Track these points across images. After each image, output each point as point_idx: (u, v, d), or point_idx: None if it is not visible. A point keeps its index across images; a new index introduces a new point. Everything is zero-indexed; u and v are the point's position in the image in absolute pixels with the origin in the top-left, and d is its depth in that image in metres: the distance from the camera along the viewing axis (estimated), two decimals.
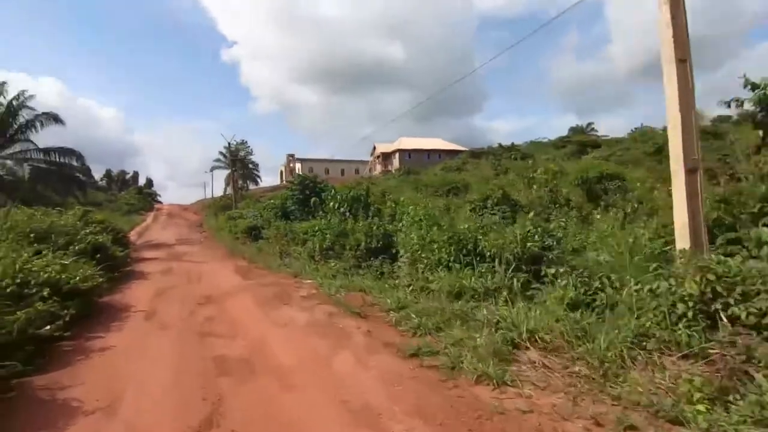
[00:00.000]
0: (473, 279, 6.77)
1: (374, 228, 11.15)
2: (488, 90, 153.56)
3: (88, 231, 11.20)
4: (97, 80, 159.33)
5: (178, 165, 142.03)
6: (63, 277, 6.46)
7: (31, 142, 21.18)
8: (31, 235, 8.75)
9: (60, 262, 6.86)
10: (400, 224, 11.88)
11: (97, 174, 77.33)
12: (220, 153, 58.07)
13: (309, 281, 9.67)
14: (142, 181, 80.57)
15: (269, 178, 71.57)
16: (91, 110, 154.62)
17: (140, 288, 9.58)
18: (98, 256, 10.18)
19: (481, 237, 7.46)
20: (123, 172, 79.10)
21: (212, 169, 58.52)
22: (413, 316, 5.86)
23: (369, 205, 15.37)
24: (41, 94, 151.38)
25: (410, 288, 7.91)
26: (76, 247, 8.90)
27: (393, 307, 6.60)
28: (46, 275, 5.93)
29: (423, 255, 8.53)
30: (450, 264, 7.40)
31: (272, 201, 22.86)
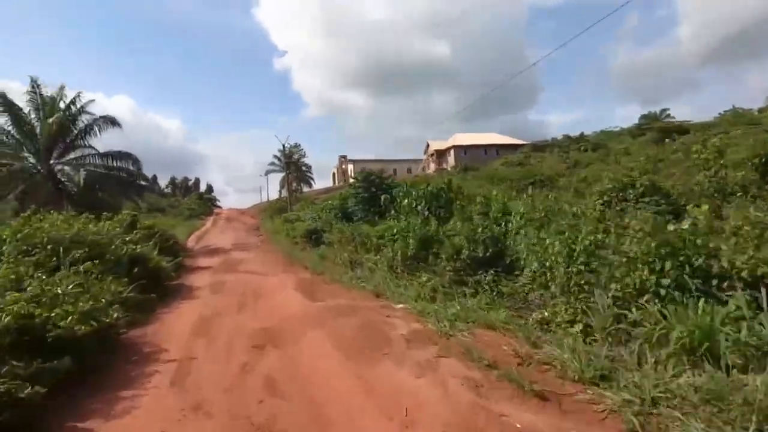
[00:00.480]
0: (736, 325, 3.60)
1: (479, 230, 8.17)
2: (540, 82, 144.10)
3: (127, 239, 9.20)
4: (162, 94, 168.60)
5: (236, 171, 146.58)
6: (54, 315, 4.10)
7: (92, 147, 20.40)
8: (48, 246, 6.68)
9: (54, 292, 4.54)
10: (509, 225, 8.84)
11: (163, 181, 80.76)
12: (274, 156, 57.69)
13: (401, 306, 6.86)
14: (203, 188, 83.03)
15: (321, 181, 70.66)
16: (159, 123, 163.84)
17: (181, 315, 7.24)
18: (135, 270, 8.07)
19: (724, 246, 4.21)
20: (186, 179, 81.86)
21: (267, 172, 58.26)
22: (678, 415, 2.81)
23: (451, 201, 12.44)
24: (116, 110, 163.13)
25: (576, 328, 4.85)
26: (86, 262, 6.59)
27: (588, 375, 3.59)
28: (7, 319, 3.54)
29: (575, 270, 5.47)
30: (665, 292, 4.23)
31: (330, 202, 20.57)
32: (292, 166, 56.08)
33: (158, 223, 15.77)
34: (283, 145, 35.88)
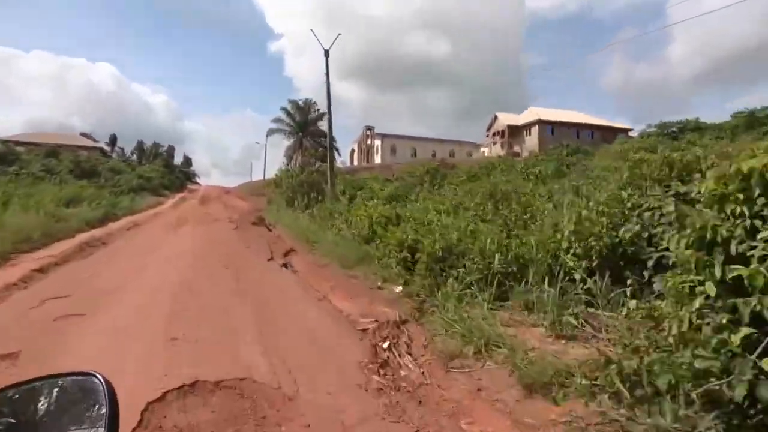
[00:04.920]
0: None
1: None
2: (532, 90, 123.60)
3: None
4: (149, 67, 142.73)
5: (222, 153, 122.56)
6: None
7: None
8: None
9: None
10: None
11: (129, 146, 58.52)
12: (282, 110, 37.02)
13: None
14: (179, 159, 61.22)
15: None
16: (144, 96, 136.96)
17: None
18: None
19: None
20: (156, 145, 59.58)
21: (270, 133, 37.53)
22: None
23: None
24: (99, 78, 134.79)
25: None
26: None
27: None
28: None
29: None
30: None
31: None
32: (309, 128, 35.66)
33: None
34: (327, 72, 15.33)
